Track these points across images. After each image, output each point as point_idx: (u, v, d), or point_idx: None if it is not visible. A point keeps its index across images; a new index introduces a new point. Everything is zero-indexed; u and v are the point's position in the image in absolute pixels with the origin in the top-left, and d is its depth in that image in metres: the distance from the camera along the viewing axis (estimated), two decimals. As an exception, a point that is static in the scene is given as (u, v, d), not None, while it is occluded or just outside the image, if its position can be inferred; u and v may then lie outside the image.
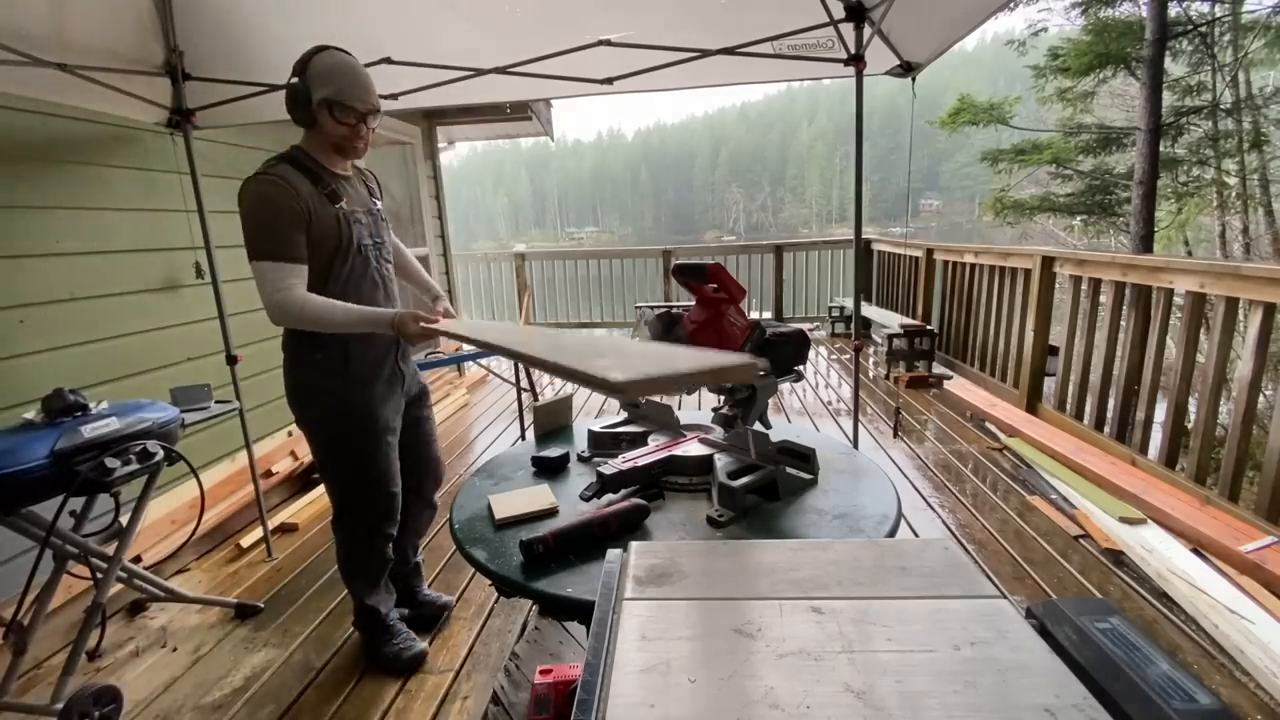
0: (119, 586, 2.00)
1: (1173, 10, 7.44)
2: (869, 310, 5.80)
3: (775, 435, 1.42)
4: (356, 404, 1.66)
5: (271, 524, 2.68)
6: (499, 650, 1.93)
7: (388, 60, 2.14)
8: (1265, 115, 8.21)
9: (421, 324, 1.49)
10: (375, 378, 1.69)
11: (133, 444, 1.68)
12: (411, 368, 1.84)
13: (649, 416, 1.70)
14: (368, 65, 2.15)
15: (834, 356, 5.86)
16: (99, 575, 1.80)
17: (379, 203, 1.75)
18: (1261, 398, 2.40)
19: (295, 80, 1.52)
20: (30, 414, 1.67)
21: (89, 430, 1.60)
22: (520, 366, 3.49)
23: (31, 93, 1.98)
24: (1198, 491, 2.45)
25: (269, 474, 3.03)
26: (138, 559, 2.31)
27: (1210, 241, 9.24)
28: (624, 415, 1.77)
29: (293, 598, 2.30)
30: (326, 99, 1.51)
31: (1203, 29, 7.79)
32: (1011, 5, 8.22)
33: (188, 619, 2.21)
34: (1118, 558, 2.24)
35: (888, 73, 2.42)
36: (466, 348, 2.22)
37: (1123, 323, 3.16)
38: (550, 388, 5.04)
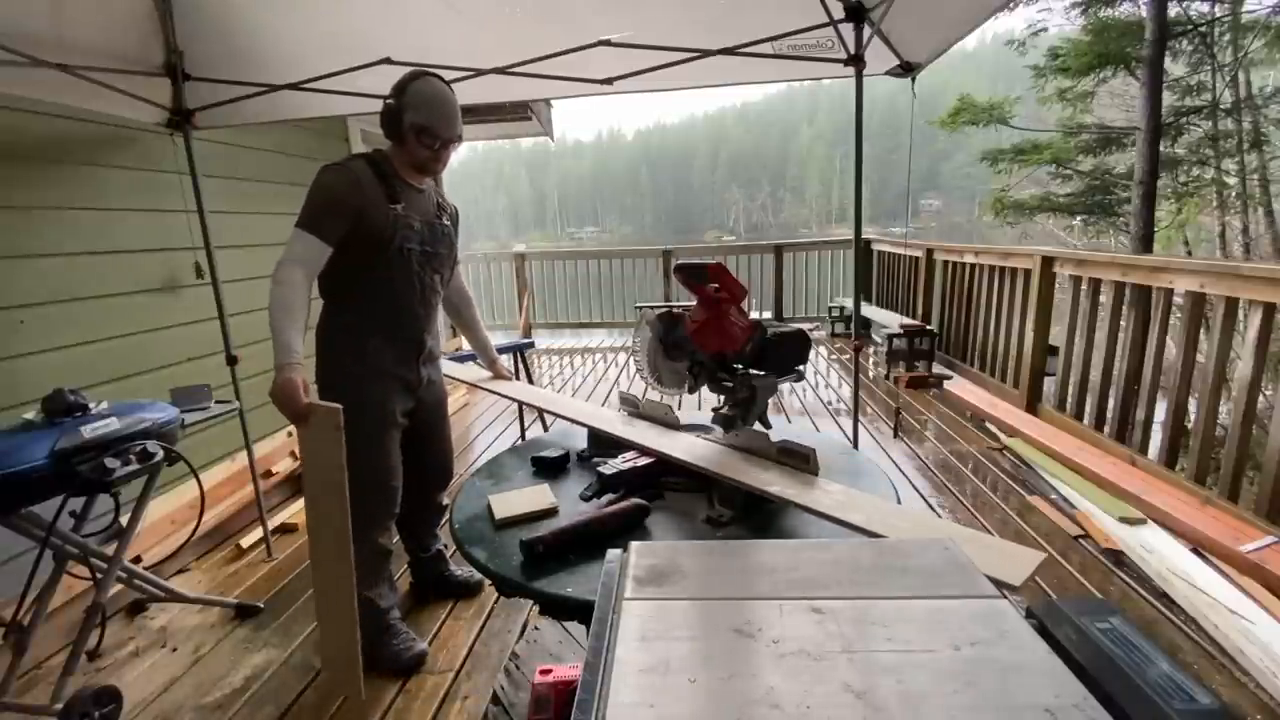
0: (119, 586, 2.00)
1: (1173, 10, 7.43)
2: (869, 310, 5.80)
3: (775, 435, 1.42)
4: (368, 394, 1.72)
5: (271, 524, 2.68)
6: (499, 650, 1.93)
7: (388, 60, 2.14)
8: (1265, 115, 8.21)
9: (297, 402, 1.47)
10: (390, 374, 1.77)
11: (133, 444, 1.68)
12: (432, 373, 1.90)
13: (649, 416, 1.70)
14: (367, 66, 2.17)
15: (834, 356, 5.86)
16: (99, 575, 1.80)
17: (446, 221, 1.84)
18: (1261, 398, 2.40)
19: (391, 101, 1.65)
20: (30, 414, 1.67)
21: (89, 430, 1.60)
22: (520, 363, 3.48)
23: (31, 93, 1.97)
24: (1198, 491, 2.44)
25: (269, 474, 3.03)
26: (138, 559, 2.31)
27: (1210, 241, 9.23)
28: (624, 414, 1.77)
29: (293, 598, 2.30)
30: (416, 124, 1.63)
31: (1203, 29, 7.79)
32: (1011, 5, 8.22)
33: (188, 619, 2.21)
34: (1118, 558, 2.24)
35: (888, 73, 2.42)
36: (467, 347, 2.33)
37: (1123, 323, 3.16)
38: (550, 386, 5.03)
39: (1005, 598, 0.68)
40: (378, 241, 1.64)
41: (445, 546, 2.23)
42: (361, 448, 1.71)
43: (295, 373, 1.49)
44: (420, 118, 1.63)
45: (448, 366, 2.14)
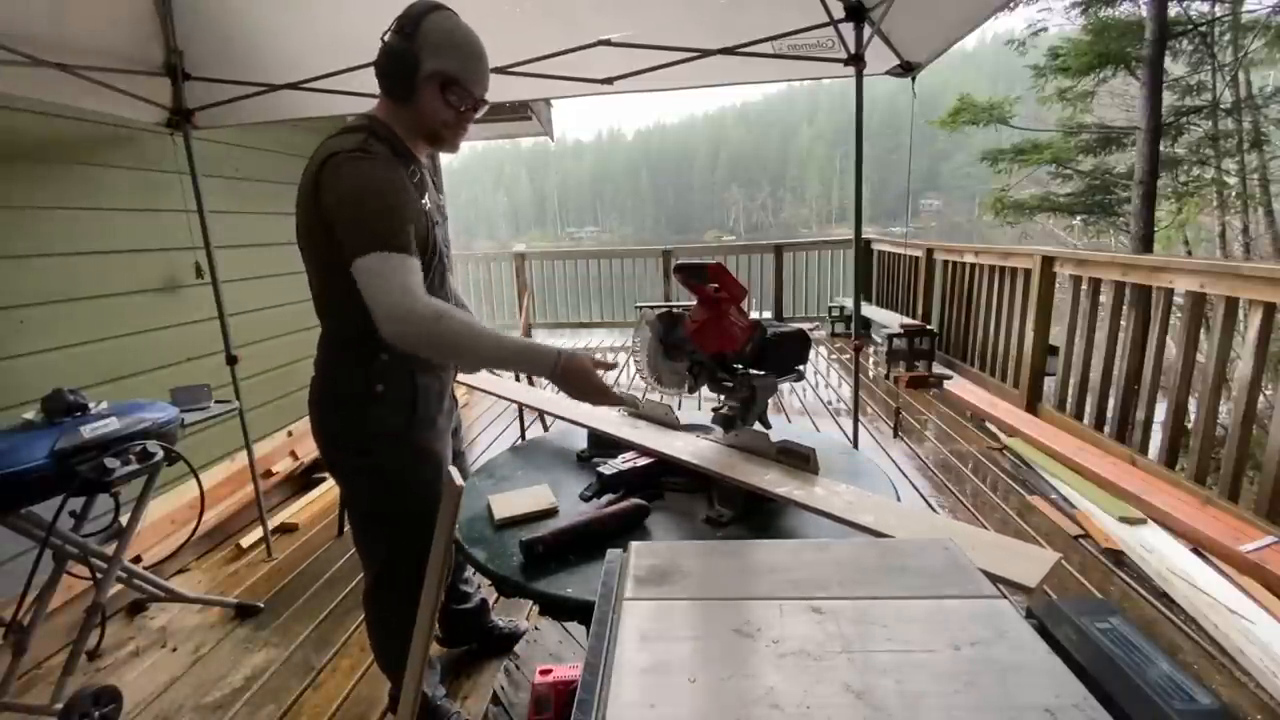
0: (119, 586, 2.00)
1: (1173, 10, 7.44)
2: (869, 310, 5.80)
3: (775, 435, 1.41)
4: (424, 448, 1.36)
5: (271, 524, 2.68)
6: (499, 651, 1.93)
7: (388, 60, 2.14)
8: (1265, 115, 8.22)
9: (598, 379, 1.21)
10: (439, 412, 1.40)
11: (132, 444, 1.68)
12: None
13: (649, 416, 1.70)
14: (367, 65, 2.16)
15: (834, 356, 5.86)
16: (99, 575, 1.80)
17: (442, 197, 1.47)
18: (1261, 398, 2.40)
19: (398, 40, 1.20)
20: (30, 414, 1.67)
21: (89, 430, 1.60)
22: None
23: (31, 93, 1.98)
24: (1198, 491, 2.44)
25: (269, 474, 3.03)
26: (138, 559, 2.31)
27: (1210, 241, 9.25)
28: (624, 414, 1.77)
29: (293, 598, 2.30)
30: (443, 74, 1.21)
31: (1203, 29, 7.80)
32: (1011, 5, 8.23)
33: (188, 619, 2.21)
34: (1118, 558, 2.24)
35: (888, 73, 2.43)
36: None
37: (1123, 323, 3.16)
38: (551, 386, 5.03)
39: (1005, 597, 0.68)
40: (420, 251, 1.23)
41: (485, 595, 1.92)
42: (420, 512, 1.30)
43: (568, 353, 1.20)
44: (448, 66, 1.21)
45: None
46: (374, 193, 1.14)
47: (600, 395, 1.23)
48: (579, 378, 1.20)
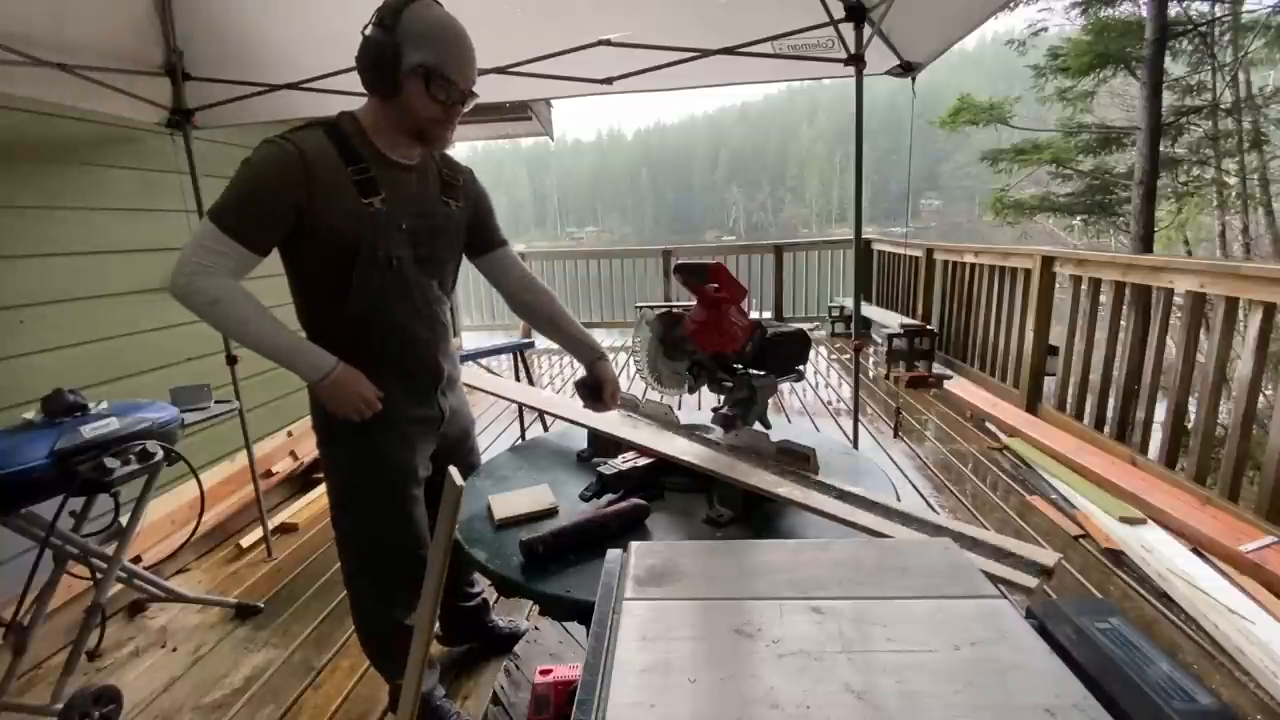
0: (119, 586, 2.00)
1: (1173, 10, 7.45)
2: (869, 310, 5.80)
3: (775, 435, 1.41)
4: (382, 449, 1.37)
5: (271, 524, 2.68)
6: (499, 651, 1.93)
7: (388, 60, 2.14)
8: (1265, 115, 8.23)
9: (364, 400, 1.26)
10: (407, 417, 1.39)
11: (132, 444, 1.68)
12: (455, 400, 1.54)
13: (649, 416, 1.70)
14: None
15: (834, 356, 5.86)
16: (99, 575, 1.80)
17: (456, 204, 1.39)
18: (1261, 398, 2.40)
19: (378, 33, 1.18)
20: (30, 414, 1.67)
21: (89, 430, 1.60)
22: (520, 363, 3.48)
23: (31, 93, 1.98)
24: (1198, 491, 2.44)
25: (269, 474, 3.03)
26: (138, 559, 2.31)
27: (1210, 241, 9.25)
28: (624, 414, 1.77)
29: (293, 598, 2.30)
30: (424, 66, 1.18)
31: (1203, 29, 7.80)
32: (1011, 5, 8.23)
33: (188, 619, 2.21)
34: (1118, 558, 2.24)
35: (888, 73, 2.43)
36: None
37: (1123, 323, 3.16)
38: (550, 386, 5.03)
39: (1005, 598, 0.68)
40: (348, 252, 1.22)
41: (485, 594, 1.92)
42: (377, 512, 1.42)
43: (341, 365, 1.24)
44: (428, 55, 1.18)
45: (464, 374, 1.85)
46: (245, 174, 1.18)
47: (355, 411, 1.27)
48: (344, 389, 1.25)
